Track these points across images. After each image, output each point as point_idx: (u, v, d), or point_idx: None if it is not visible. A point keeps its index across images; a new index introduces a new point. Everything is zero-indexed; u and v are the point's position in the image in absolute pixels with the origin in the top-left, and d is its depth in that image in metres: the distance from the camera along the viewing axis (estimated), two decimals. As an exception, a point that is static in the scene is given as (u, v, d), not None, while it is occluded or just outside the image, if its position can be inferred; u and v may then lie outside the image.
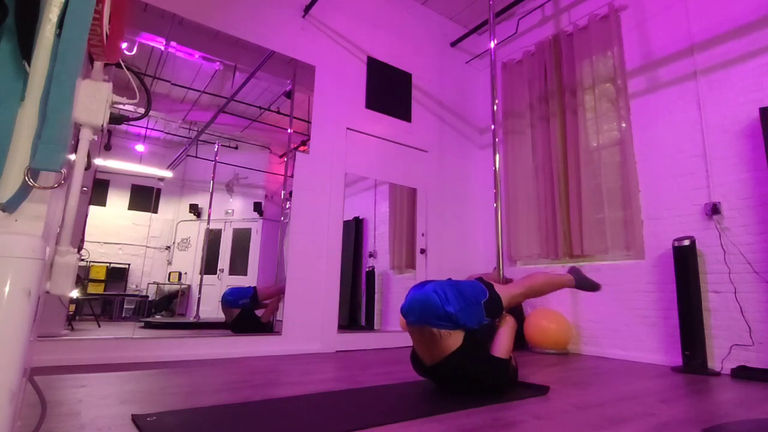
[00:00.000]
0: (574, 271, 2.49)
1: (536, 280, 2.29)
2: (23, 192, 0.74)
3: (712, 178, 2.95)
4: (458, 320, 1.86)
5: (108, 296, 4.84)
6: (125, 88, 1.08)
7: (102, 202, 4.93)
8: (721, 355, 2.75)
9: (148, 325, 4.19)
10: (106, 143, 4.16)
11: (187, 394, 1.83)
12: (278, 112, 4.67)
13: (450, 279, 2.10)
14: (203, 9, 3.26)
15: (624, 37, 3.62)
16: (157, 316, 4.78)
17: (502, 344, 2.01)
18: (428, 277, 4.25)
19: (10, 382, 0.65)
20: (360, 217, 5.88)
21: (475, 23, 4.77)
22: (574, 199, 3.68)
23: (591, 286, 2.47)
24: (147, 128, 4.84)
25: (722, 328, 2.78)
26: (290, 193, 3.62)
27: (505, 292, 2.10)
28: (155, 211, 5.23)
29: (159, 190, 5.25)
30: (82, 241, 3.41)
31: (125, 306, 4.92)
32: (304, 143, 3.99)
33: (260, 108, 4.73)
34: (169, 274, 5.18)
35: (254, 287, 4.14)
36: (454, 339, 1.87)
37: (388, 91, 4.26)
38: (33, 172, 0.74)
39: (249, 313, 3.98)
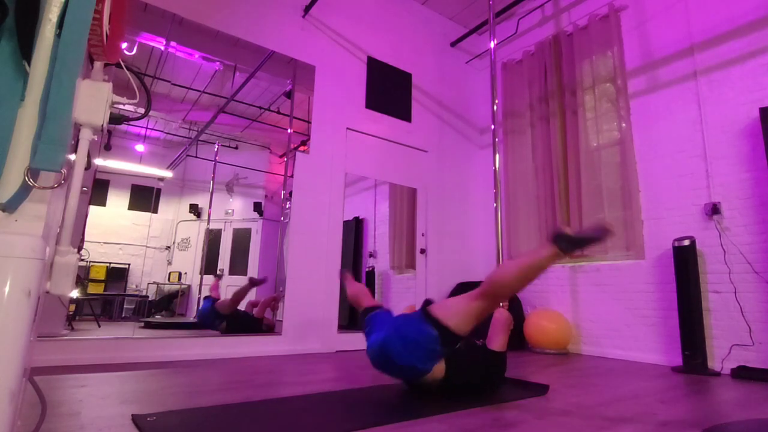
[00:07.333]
0: (557, 237, 1.64)
1: (497, 276, 1.68)
2: (23, 192, 0.74)
3: (712, 178, 2.95)
4: (418, 369, 1.74)
5: (108, 296, 4.83)
6: (125, 88, 1.07)
7: (102, 202, 4.93)
8: (721, 355, 2.75)
9: (148, 325, 4.18)
10: (106, 143, 4.16)
11: (187, 394, 1.83)
12: (278, 112, 4.67)
13: (401, 320, 1.84)
14: (203, 9, 3.26)
15: (624, 37, 3.61)
16: (157, 316, 4.77)
17: (497, 337, 1.95)
18: (428, 278, 4.25)
19: (10, 382, 0.65)
20: (360, 217, 5.87)
21: (475, 23, 4.77)
22: (574, 199, 3.68)
23: (583, 242, 1.63)
24: (147, 128, 4.84)
25: (722, 328, 2.78)
26: (290, 193, 3.62)
27: (454, 314, 1.73)
28: (155, 211, 5.22)
29: (159, 190, 5.24)
30: (82, 241, 3.41)
31: (125, 306, 4.91)
32: (304, 143, 3.99)
33: (260, 108, 4.73)
34: (169, 274, 5.18)
35: (212, 300, 3.84)
36: (436, 369, 1.76)
37: (388, 91, 4.26)
38: (33, 172, 0.74)
39: (237, 318, 3.83)
